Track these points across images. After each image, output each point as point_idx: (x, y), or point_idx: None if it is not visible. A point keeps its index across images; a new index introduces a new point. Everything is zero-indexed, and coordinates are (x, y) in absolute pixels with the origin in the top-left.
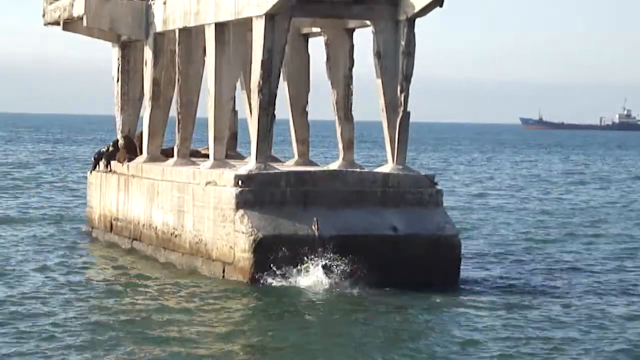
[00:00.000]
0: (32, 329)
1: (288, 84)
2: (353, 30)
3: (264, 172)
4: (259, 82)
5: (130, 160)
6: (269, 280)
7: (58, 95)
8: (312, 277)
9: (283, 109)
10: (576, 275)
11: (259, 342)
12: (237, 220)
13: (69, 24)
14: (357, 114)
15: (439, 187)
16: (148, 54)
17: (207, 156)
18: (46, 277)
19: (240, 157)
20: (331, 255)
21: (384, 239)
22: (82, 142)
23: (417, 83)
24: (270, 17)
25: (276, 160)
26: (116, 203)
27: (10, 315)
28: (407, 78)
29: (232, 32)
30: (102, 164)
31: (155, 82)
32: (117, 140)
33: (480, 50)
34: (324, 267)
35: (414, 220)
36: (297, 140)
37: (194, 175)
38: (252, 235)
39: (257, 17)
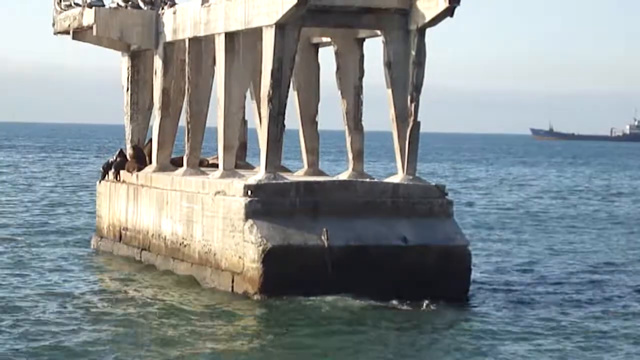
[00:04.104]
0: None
1: (298, 94)
2: (363, 40)
3: (274, 182)
4: (269, 92)
5: (139, 169)
6: (278, 290)
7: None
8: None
9: (293, 118)
10: (588, 286)
11: (264, 357)
12: (246, 230)
13: (79, 33)
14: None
15: (449, 197)
16: (158, 63)
17: (216, 166)
18: (51, 285)
19: (250, 167)
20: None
21: (394, 249)
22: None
23: (427, 93)
24: (281, 27)
25: (286, 170)
26: (125, 213)
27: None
28: (418, 88)
29: (242, 41)
30: (111, 173)
31: (165, 92)
32: (121, 150)
33: (489, 60)
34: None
35: (424, 230)
36: (306, 150)
37: (203, 185)
38: (261, 245)
39: (267, 26)
